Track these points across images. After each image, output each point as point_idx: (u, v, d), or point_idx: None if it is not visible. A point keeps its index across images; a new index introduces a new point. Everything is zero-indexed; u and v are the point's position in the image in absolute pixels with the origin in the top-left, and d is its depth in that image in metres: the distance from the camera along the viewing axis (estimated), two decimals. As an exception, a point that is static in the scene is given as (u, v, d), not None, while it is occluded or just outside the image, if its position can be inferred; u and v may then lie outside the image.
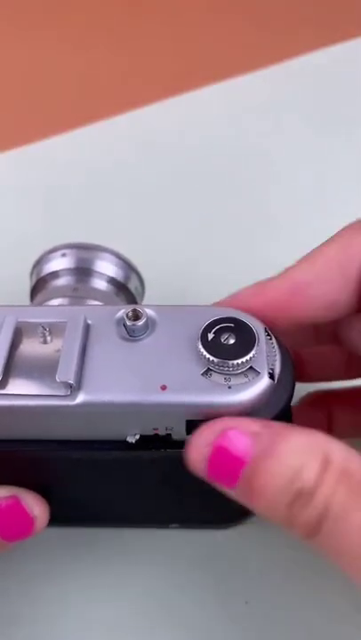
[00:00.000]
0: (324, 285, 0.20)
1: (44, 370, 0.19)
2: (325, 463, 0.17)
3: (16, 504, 0.21)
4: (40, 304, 0.25)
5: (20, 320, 0.20)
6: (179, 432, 0.19)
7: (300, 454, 0.17)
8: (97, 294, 0.25)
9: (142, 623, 0.25)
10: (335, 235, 0.21)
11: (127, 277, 0.26)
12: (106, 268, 0.25)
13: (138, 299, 0.27)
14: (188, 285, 0.35)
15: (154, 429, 0.19)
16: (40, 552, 0.26)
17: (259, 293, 0.21)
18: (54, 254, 0.25)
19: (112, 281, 0.25)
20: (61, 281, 0.25)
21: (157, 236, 0.38)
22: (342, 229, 0.21)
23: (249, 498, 0.18)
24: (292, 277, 0.21)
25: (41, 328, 0.19)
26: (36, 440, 0.20)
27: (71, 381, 0.18)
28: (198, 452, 0.18)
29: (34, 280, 0.26)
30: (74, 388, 0.18)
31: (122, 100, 0.44)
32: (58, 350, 0.19)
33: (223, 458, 0.18)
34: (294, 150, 0.42)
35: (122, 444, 0.19)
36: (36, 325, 0.19)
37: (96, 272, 0.25)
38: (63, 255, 0.25)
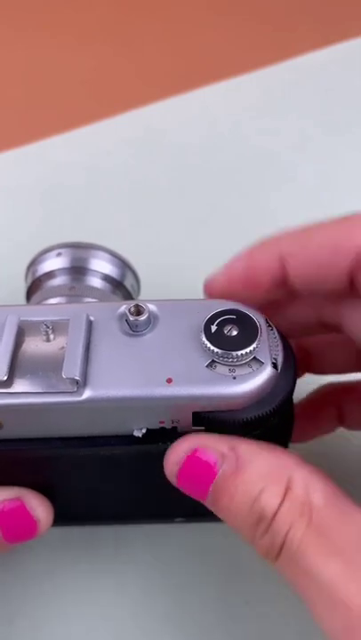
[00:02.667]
0: (310, 259, 0.20)
1: (48, 367, 0.19)
2: (286, 490, 0.17)
3: (20, 506, 0.21)
4: (38, 304, 0.25)
5: (22, 319, 0.20)
6: (185, 424, 0.19)
7: (262, 479, 0.18)
8: (93, 293, 0.25)
9: (142, 623, 0.25)
10: (337, 219, 0.21)
11: (123, 275, 0.26)
12: (101, 266, 0.25)
13: (134, 296, 0.27)
14: (187, 285, 0.35)
15: (160, 422, 0.19)
16: (40, 551, 0.26)
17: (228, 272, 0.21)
18: (49, 254, 0.25)
19: (108, 279, 0.25)
20: (57, 281, 0.25)
21: (157, 236, 0.38)
22: (345, 217, 0.21)
23: (217, 512, 0.19)
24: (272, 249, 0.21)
25: (44, 326, 0.19)
26: (42, 438, 0.20)
27: (77, 377, 0.18)
28: (171, 463, 0.19)
29: (29, 281, 0.26)
30: (80, 384, 0.18)
31: (122, 100, 0.44)
32: (62, 348, 0.19)
33: (192, 472, 0.19)
34: (294, 150, 0.42)
35: (128, 439, 0.20)
36: (38, 324, 0.19)
37: (92, 270, 0.25)
38: (58, 255, 0.25)
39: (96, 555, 0.26)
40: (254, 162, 0.42)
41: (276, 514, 0.17)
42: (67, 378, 0.18)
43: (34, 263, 0.26)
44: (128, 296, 0.26)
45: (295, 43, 0.46)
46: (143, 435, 0.19)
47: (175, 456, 0.19)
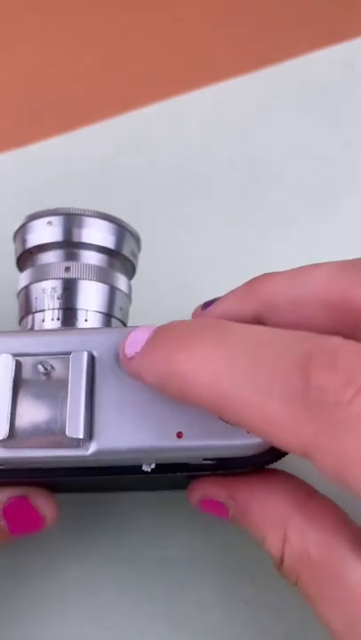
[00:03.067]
0: None
1: (51, 418, 0.18)
2: (285, 541, 0.18)
3: (27, 504, 0.21)
4: (32, 281, 0.24)
5: (16, 353, 0.19)
6: (195, 461, 0.19)
7: (261, 529, 0.19)
8: (90, 272, 0.24)
9: (142, 623, 0.25)
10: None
11: (121, 241, 0.25)
12: (97, 237, 0.24)
13: (135, 262, 0.26)
14: (187, 286, 0.35)
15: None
16: (40, 551, 0.26)
17: None
18: (39, 221, 0.24)
19: (105, 250, 0.24)
20: (50, 256, 0.24)
21: (157, 237, 0.38)
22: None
23: None
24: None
25: (42, 368, 0.18)
26: (49, 469, 0.19)
27: (81, 437, 0.17)
28: (191, 503, 0.21)
29: (19, 250, 0.25)
30: (85, 439, 0.18)
31: (122, 100, 0.44)
32: (63, 391, 0.18)
33: (209, 509, 0.21)
34: (294, 150, 0.42)
35: (137, 469, 0.19)
36: (35, 362, 0.19)
37: (87, 244, 0.24)
38: (49, 224, 0.24)
39: (96, 555, 0.26)
40: (254, 162, 0.41)
41: (282, 562, 0.18)
42: (71, 437, 0.17)
43: (23, 230, 0.25)
44: (129, 265, 0.25)
45: (295, 43, 0.46)
46: (152, 469, 0.19)
47: (192, 500, 0.21)
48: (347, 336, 0.19)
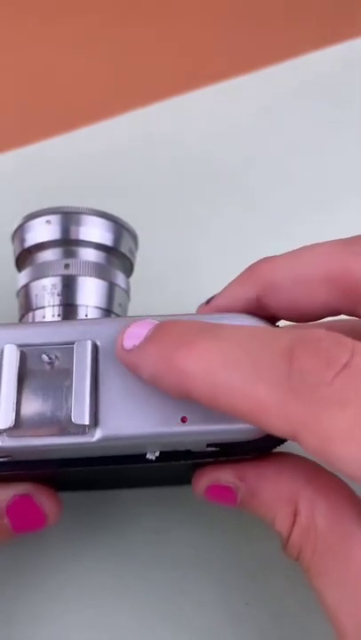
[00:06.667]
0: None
1: (56, 406, 0.18)
2: (295, 516, 0.18)
3: (30, 502, 0.21)
4: (32, 279, 0.24)
5: (20, 345, 0.19)
6: (199, 447, 0.19)
7: (272, 507, 0.19)
8: (89, 268, 0.24)
9: (142, 624, 0.25)
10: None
11: (119, 239, 0.25)
12: (95, 234, 0.24)
13: (133, 260, 0.26)
14: (187, 286, 0.35)
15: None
16: (40, 549, 0.26)
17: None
18: (37, 221, 0.24)
19: (103, 248, 0.24)
20: (49, 254, 0.24)
21: (157, 237, 0.38)
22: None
23: None
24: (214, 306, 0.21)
25: (46, 357, 0.19)
26: (54, 459, 0.19)
27: (87, 423, 0.18)
28: (197, 493, 0.21)
29: (18, 249, 0.25)
30: (90, 426, 0.18)
31: (122, 100, 0.44)
32: (67, 380, 0.18)
33: (217, 497, 0.20)
34: (294, 150, 0.42)
35: (141, 458, 0.19)
36: (39, 351, 0.19)
37: (85, 242, 0.24)
38: (47, 222, 0.24)
39: (96, 553, 0.26)
40: (254, 162, 0.41)
41: (289, 538, 0.18)
42: (77, 424, 0.18)
43: (21, 230, 0.25)
44: (128, 262, 0.26)
45: (295, 43, 0.46)
46: (156, 457, 0.19)
47: (198, 488, 0.20)
48: (348, 312, 0.19)
